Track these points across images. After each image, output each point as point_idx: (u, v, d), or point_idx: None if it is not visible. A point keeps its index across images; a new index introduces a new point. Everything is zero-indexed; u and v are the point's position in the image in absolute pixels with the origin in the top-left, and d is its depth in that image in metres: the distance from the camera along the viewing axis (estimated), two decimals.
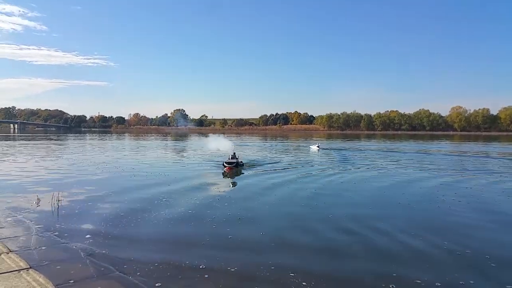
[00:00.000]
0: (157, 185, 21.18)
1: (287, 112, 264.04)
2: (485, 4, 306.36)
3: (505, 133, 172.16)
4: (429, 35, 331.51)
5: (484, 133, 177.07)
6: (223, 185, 22.00)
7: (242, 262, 9.28)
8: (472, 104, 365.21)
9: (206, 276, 8.46)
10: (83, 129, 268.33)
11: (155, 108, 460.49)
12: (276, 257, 9.64)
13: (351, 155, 45.28)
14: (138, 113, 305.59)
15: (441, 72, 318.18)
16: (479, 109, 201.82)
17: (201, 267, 8.93)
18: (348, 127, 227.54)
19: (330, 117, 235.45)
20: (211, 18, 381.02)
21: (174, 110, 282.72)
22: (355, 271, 8.93)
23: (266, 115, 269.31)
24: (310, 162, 36.03)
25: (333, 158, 41.32)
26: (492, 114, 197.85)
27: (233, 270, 8.81)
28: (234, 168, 27.52)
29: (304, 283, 8.10)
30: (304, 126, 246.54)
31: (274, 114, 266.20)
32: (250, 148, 58.96)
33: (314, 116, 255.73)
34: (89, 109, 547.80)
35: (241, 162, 29.60)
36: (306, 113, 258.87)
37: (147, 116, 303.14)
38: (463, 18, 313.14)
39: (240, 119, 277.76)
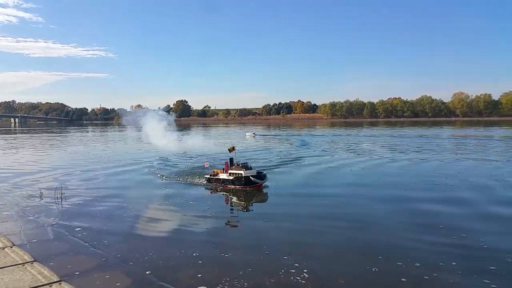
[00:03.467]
0: (154, 182, 21.60)
1: (290, 101, 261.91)
2: None
3: (506, 118, 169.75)
4: (430, 20, 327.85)
5: (485, 119, 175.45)
6: None
7: None
8: (474, 89, 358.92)
9: (200, 262, 8.96)
10: (84, 121, 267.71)
11: (158, 99, 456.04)
12: None
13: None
14: (140, 105, 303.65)
15: (443, 58, 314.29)
16: (481, 94, 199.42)
17: (194, 255, 9.42)
18: (351, 115, 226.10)
19: (333, 105, 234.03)
20: (212, 10, 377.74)
21: (176, 101, 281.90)
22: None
23: (269, 105, 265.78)
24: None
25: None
26: (494, 100, 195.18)
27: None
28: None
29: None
30: (307, 115, 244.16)
31: (278, 103, 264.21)
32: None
33: (317, 105, 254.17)
34: (91, 102, 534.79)
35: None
36: (310, 102, 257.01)
37: (149, 107, 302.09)
38: (465, 3, 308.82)
39: (243, 108, 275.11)
